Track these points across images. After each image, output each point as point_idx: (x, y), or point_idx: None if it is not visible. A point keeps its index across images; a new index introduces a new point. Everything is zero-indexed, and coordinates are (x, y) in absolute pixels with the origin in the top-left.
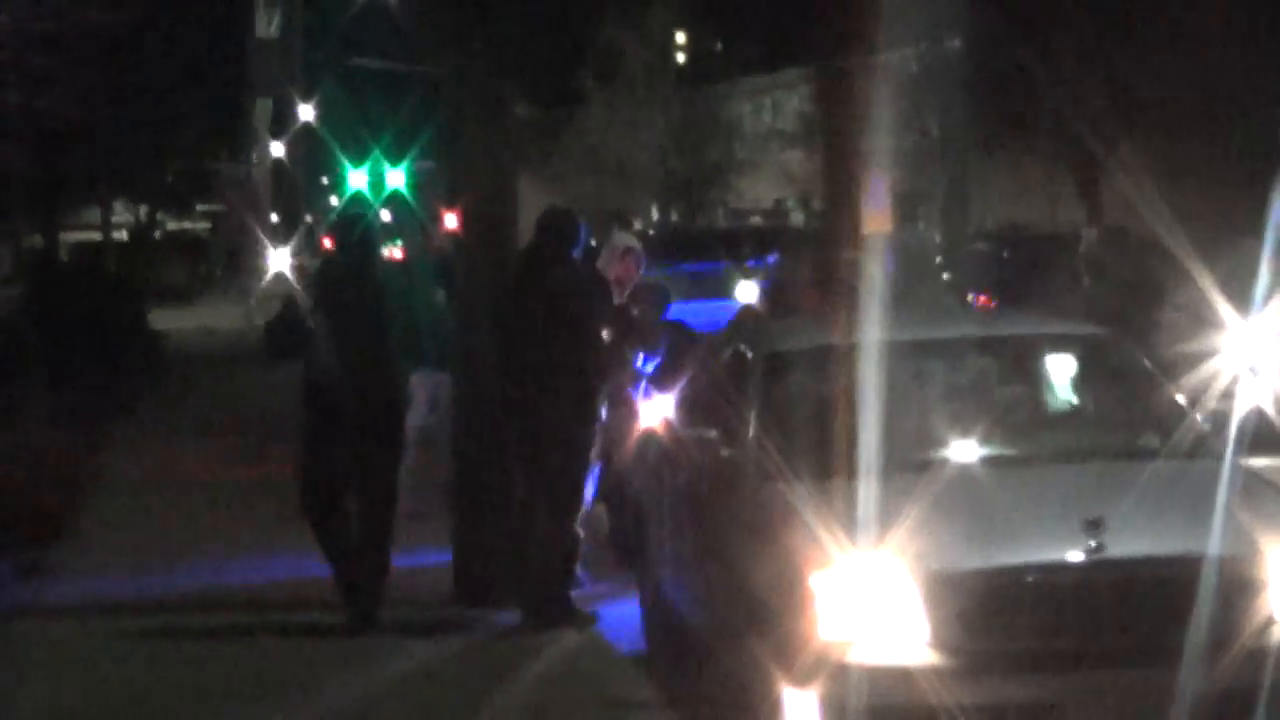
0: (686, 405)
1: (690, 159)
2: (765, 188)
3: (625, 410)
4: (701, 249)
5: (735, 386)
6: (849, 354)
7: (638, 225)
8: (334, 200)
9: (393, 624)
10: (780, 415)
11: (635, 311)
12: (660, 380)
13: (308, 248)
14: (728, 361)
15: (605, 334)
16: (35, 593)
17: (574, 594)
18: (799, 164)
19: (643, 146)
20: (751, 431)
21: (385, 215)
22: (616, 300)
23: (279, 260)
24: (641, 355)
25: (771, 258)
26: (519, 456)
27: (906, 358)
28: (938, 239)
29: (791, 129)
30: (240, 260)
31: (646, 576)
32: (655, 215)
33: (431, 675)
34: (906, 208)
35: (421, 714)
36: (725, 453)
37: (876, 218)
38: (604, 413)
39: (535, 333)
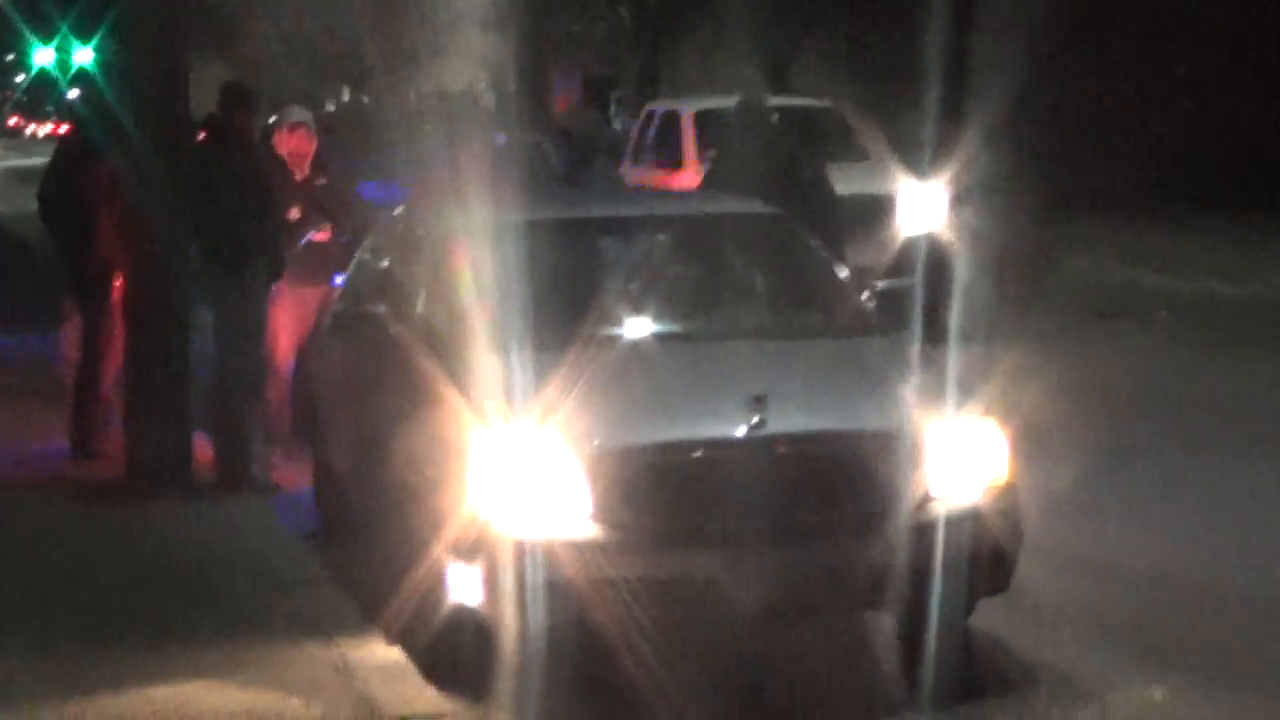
0: (358, 281)
1: (383, 42)
2: (456, 72)
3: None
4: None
5: (406, 263)
6: (520, 231)
7: (330, 107)
8: (19, 78)
9: (59, 501)
10: (449, 291)
11: (320, 182)
12: (341, 257)
13: None
14: (399, 238)
15: (293, 212)
16: None
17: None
18: (491, 49)
19: (335, 30)
20: (419, 307)
21: (73, 94)
22: (299, 176)
23: None
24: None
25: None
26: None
27: (578, 235)
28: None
29: (484, 14)
30: None
31: (318, 453)
32: (347, 98)
33: (92, 550)
34: (599, 93)
35: (78, 587)
36: (393, 329)
37: (564, 102)
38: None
39: (218, 208)
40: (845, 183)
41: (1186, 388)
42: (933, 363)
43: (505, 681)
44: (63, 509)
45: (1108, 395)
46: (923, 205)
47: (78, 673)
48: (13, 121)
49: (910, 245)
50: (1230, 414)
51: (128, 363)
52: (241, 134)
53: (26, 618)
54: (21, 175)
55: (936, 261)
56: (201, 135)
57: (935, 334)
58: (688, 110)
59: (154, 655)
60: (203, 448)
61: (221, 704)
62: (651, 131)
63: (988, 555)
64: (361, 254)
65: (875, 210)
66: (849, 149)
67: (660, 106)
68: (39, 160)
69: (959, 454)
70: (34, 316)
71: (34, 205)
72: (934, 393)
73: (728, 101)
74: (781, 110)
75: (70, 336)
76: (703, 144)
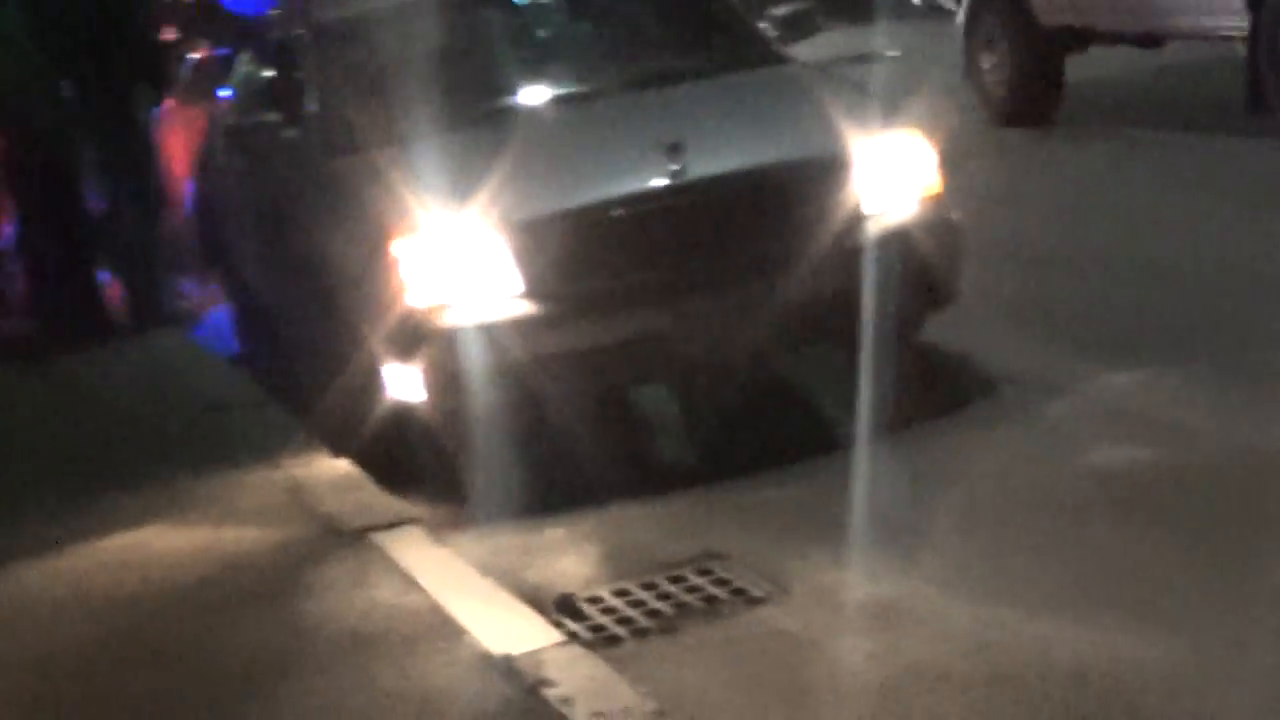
0: (245, 92)
1: None
2: None
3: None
4: None
5: (288, 64)
6: (401, 15)
7: None
8: None
9: None
10: (339, 87)
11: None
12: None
13: None
14: (278, 41)
15: (167, 33)
16: None
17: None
18: None
19: None
20: (312, 107)
21: None
22: None
23: None
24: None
25: None
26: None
27: (460, 10)
28: None
29: None
30: None
31: (230, 274)
32: None
33: (20, 405)
34: None
35: (10, 443)
36: (288, 134)
37: None
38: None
39: (88, 41)
40: None
41: None
42: (850, 83)
43: (459, 475)
44: None
45: None
46: None
47: (21, 530)
48: None
49: None
50: None
51: (20, 216)
52: None
53: None
54: None
55: None
56: None
57: None
58: None
59: (100, 504)
60: (111, 287)
61: (179, 543)
62: None
63: (930, 268)
64: (244, 65)
65: None
66: None
67: None
68: None
69: (887, 170)
70: None
71: None
72: (854, 112)
73: None
74: None
75: None
76: None
